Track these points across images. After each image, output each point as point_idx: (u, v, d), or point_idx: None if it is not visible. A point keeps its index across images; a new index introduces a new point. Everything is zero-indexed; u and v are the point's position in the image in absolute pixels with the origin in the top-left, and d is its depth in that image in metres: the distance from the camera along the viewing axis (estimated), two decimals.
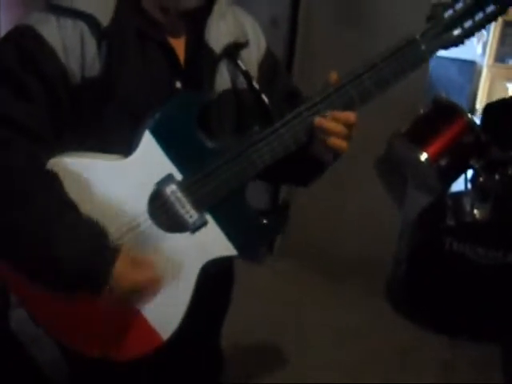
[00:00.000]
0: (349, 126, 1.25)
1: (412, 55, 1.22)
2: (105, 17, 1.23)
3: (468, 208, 3.17)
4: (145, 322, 1.31)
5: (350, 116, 1.24)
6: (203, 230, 1.30)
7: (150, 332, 1.32)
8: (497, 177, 3.08)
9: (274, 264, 3.26)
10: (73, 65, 1.21)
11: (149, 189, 1.27)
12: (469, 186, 3.57)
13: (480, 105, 8.76)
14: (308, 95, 1.29)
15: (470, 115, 3.04)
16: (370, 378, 2.83)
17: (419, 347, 3.11)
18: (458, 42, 1.26)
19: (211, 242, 1.32)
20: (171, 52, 1.31)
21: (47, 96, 1.19)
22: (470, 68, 8.77)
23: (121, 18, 1.25)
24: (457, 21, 1.23)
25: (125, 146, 1.26)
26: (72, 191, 1.20)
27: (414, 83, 3.06)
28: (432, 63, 4.22)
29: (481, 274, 3.08)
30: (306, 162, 1.37)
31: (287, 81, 1.56)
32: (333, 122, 1.23)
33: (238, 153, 1.26)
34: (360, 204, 3.61)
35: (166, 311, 1.32)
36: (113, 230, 1.23)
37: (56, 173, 1.19)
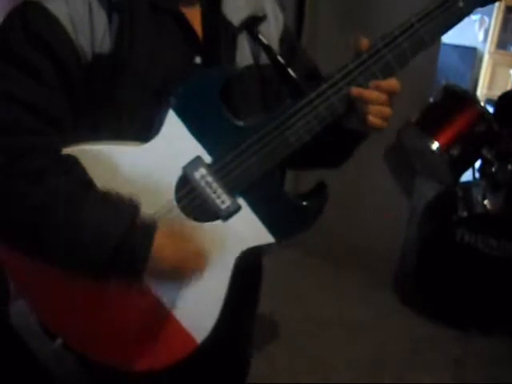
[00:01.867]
0: (392, 94, 1.16)
1: (450, 13, 1.14)
2: None
3: (479, 199, 3.11)
4: (177, 323, 1.22)
5: (393, 83, 1.16)
6: (236, 216, 1.20)
7: (184, 335, 1.22)
8: (510, 167, 3.01)
9: (280, 253, 3.19)
10: (82, 41, 1.12)
11: (176, 174, 1.17)
12: (477, 175, 3.52)
13: (481, 92, 8.71)
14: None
15: (482, 104, 2.96)
16: (383, 375, 2.78)
17: (430, 342, 3.06)
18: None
19: (246, 229, 1.21)
20: (188, 25, 1.21)
21: (60, 77, 1.10)
22: (471, 55, 8.70)
23: None
24: None
25: (145, 129, 1.16)
26: (95, 181, 1.11)
27: (422, 71, 3.03)
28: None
29: (493, 267, 3.02)
30: (341, 137, 1.28)
31: (307, 58, 1.47)
32: (374, 92, 1.14)
33: (271, 129, 1.16)
34: (369, 194, 3.55)
35: (199, 310, 1.22)
36: None
37: (76, 158, 1.10)
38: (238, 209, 1.20)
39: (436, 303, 3.18)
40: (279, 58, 1.30)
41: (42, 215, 1.03)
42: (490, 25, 8.63)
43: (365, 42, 1.15)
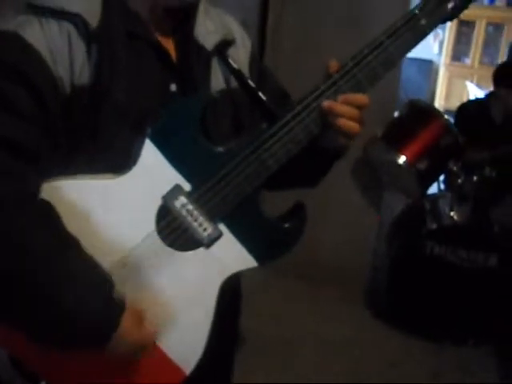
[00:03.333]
0: (361, 108, 1.17)
1: (414, 31, 1.17)
2: (93, 17, 1.11)
3: (447, 210, 3.15)
4: (164, 356, 1.19)
5: (362, 98, 1.17)
6: (218, 243, 1.18)
7: (172, 367, 1.19)
8: (475, 178, 3.05)
9: (250, 274, 3.16)
10: (62, 72, 1.08)
11: (155, 204, 1.15)
12: (442, 187, 3.56)
13: (439, 103, 8.88)
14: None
15: (446, 117, 3.01)
16: None
17: (405, 355, 3.06)
18: (454, 14, 1.22)
19: (229, 254, 1.20)
20: (164, 52, 1.20)
21: (38, 109, 1.06)
22: (427, 67, 8.90)
23: (109, 18, 1.14)
24: None
25: (123, 160, 1.14)
26: (69, 219, 1.07)
27: (385, 85, 3.06)
28: None
29: (463, 277, 3.06)
30: (317, 156, 1.28)
31: (276, 82, 1.47)
32: (344, 105, 1.15)
33: (248, 154, 1.15)
34: (338, 210, 3.57)
35: (185, 341, 1.20)
36: (117, 258, 1.12)
37: (52, 208, 1.07)
38: (220, 235, 1.18)
39: (409, 317, 3.20)
40: (249, 81, 1.30)
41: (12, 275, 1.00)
42: (444, 38, 8.83)
43: (334, 64, 1.17)
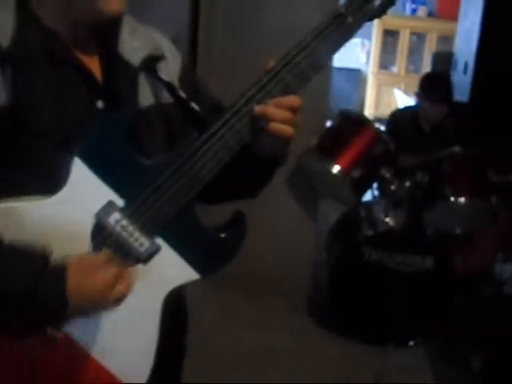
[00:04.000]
0: (293, 110, 1.16)
1: (341, 30, 1.17)
2: (3, 36, 1.09)
3: (382, 217, 3.21)
4: (111, 377, 1.17)
5: (293, 100, 1.16)
6: (158, 257, 1.16)
7: None
8: (407, 184, 3.13)
9: (188, 289, 3.13)
10: None
11: (89, 222, 1.13)
12: (376, 194, 3.63)
13: (368, 111, 9.04)
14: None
15: (377, 126, 3.08)
16: None
17: (349, 361, 3.09)
18: (381, 12, 1.21)
19: (169, 269, 1.18)
20: (86, 71, 1.18)
21: None
22: (356, 76, 9.06)
23: (23, 37, 1.11)
24: None
25: (52, 180, 1.11)
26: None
27: (316, 96, 3.12)
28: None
29: (401, 281, 3.12)
30: (255, 166, 1.27)
31: (210, 94, 1.46)
32: (275, 109, 1.14)
33: (180, 165, 1.14)
34: (275, 220, 3.59)
35: (132, 360, 1.18)
36: None
37: None
38: (157, 249, 1.16)
39: (351, 322, 3.24)
40: (181, 93, 1.29)
41: None
42: (370, 47, 9.03)
43: (270, 66, 1.16)
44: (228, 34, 3.44)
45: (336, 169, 2.98)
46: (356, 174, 2.99)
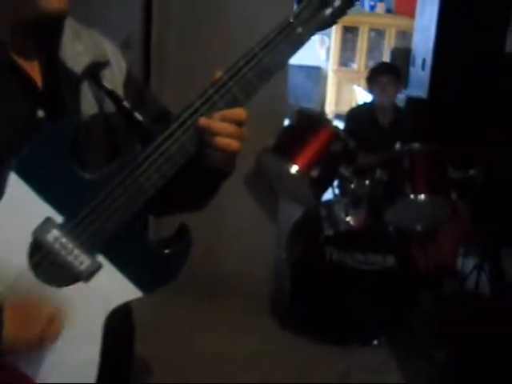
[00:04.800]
0: (239, 123, 1.13)
1: (290, 40, 1.12)
2: None
3: (342, 216, 3.19)
4: None
5: (239, 113, 1.12)
6: (99, 275, 1.13)
7: None
8: (367, 182, 3.10)
9: (149, 298, 3.06)
10: None
11: (26, 241, 1.08)
12: (336, 192, 3.61)
13: (329, 108, 9.08)
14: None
15: (334, 124, 3.05)
16: None
17: (313, 362, 3.06)
18: (332, 21, 1.16)
19: (111, 287, 1.14)
20: (26, 77, 1.12)
21: None
22: (316, 74, 9.10)
23: None
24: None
25: None
26: None
27: (274, 94, 3.08)
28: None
29: (364, 280, 3.10)
30: (201, 178, 1.23)
31: (156, 102, 1.41)
32: (221, 122, 1.10)
33: (123, 179, 1.10)
34: (234, 222, 3.54)
35: (73, 380, 1.14)
36: None
37: None
38: (98, 267, 1.12)
39: (314, 323, 3.21)
40: (125, 103, 1.23)
41: None
42: (330, 44, 9.06)
43: (217, 76, 1.11)
44: (183, 34, 3.38)
45: (294, 169, 2.94)
46: (315, 173, 2.95)
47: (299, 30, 1.13)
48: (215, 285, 3.54)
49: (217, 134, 1.10)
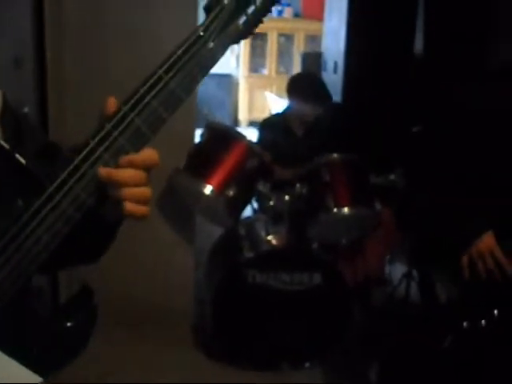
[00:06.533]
0: (150, 168, 0.92)
1: (201, 57, 0.92)
2: None
3: (263, 234, 3.00)
4: None
5: (149, 156, 0.92)
6: None
7: None
8: (286, 197, 2.93)
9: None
10: None
11: None
12: (256, 208, 3.43)
13: (243, 116, 8.96)
14: (78, 142, 0.92)
15: (247, 138, 2.85)
16: None
17: None
18: (247, 32, 0.98)
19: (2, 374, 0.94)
20: None
21: None
22: (227, 81, 8.98)
23: None
24: (238, 6, 0.94)
25: None
26: None
27: (182, 111, 2.86)
28: None
29: (291, 302, 2.94)
30: (95, 228, 1.02)
31: (38, 133, 1.20)
32: (127, 170, 0.90)
33: (6, 243, 0.90)
34: (149, 248, 3.31)
35: None
36: None
37: None
38: None
39: (241, 350, 3.01)
40: (2, 143, 1.01)
41: None
42: (239, 51, 8.93)
43: (112, 106, 0.90)
44: (80, 49, 3.11)
45: (208, 189, 2.73)
46: (230, 192, 2.75)
47: (211, 44, 0.93)
48: (136, 315, 3.30)
49: (122, 185, 0.90)
